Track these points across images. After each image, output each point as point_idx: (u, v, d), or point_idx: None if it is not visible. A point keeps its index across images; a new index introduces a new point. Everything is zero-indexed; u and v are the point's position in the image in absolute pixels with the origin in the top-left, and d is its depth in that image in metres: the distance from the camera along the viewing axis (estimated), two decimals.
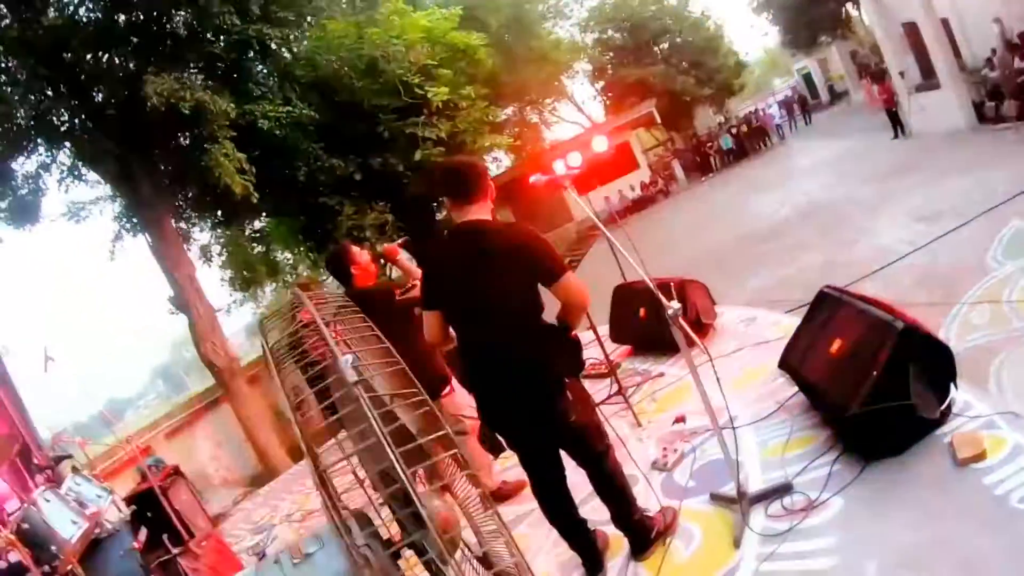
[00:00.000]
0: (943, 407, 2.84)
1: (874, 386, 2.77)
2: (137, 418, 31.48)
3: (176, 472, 7.87)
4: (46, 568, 3.99)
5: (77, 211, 12.64)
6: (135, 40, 10.77)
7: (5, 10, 9.81)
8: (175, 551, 4.76)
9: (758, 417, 3.77)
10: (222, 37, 11.36)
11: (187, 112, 9.48)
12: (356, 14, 14.47)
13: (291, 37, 12.67)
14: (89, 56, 10.72)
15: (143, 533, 4.88)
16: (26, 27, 9.67)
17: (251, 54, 12.14)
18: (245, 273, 16.11)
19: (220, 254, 15.66)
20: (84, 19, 10.88)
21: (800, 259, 8.12)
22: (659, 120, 27.01)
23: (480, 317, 2.77)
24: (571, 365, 2.84)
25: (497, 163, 29.16)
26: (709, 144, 27.89)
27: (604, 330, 5.93)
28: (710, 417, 3.04)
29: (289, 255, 16.77)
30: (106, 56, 10.91)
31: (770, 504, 2.97)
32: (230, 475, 11.54)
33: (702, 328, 5.32)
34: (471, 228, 2.77)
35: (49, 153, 11.48)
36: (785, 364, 3.76)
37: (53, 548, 4.02)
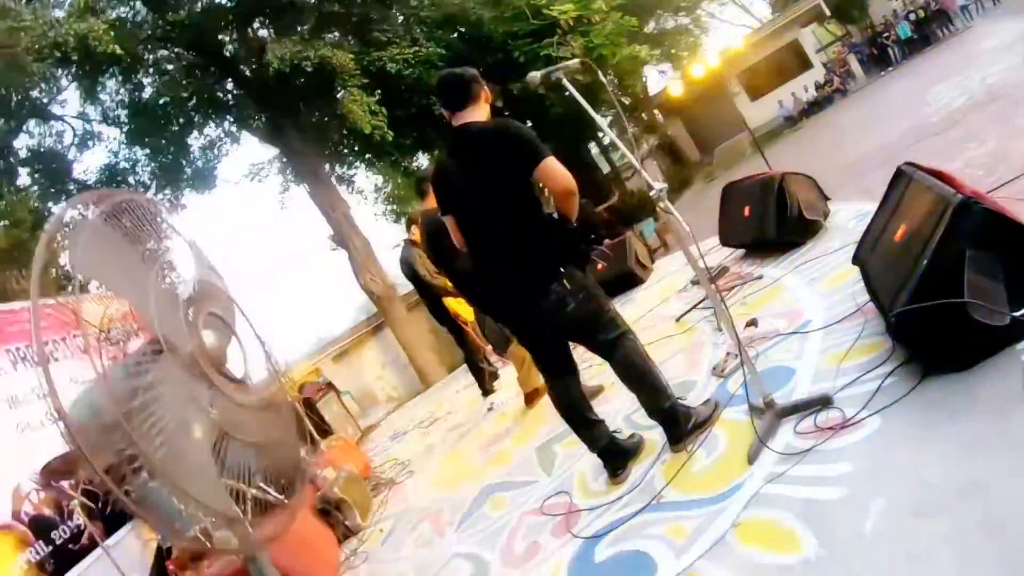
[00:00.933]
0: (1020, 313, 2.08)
1: (921, 279, 2.12)
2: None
3: (329, 387, 8.54)
4: None
5: (257, 171, 13.90)
6: (263, 11, 11.28)
7: (146, 12, 10.73)
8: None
9: (831, 321, 3.16)
10: None
11: (310, 70, 9.83)
12: None
13: None
14: (225, 36, 11.47)
15: None
16: (170, 23, 10.52)
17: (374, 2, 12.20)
18: (396, 208, 16.55)
19: (375, 191, 16.20)
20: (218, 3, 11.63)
21: (967, 152, 6.72)
22: (828, 13, 23.69)
23: (476, 213, 2.82)
24: (567, 254, 2.76)
25: (664, 76, 27.58)
26: (886, 34, 23.82)
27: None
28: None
29: None
30: (240, 32, 11.58)
31: (803, 419, 2.47)
32: (394, 393, 12.35)
33: (805, 224, 4.60)
34: (461, 130, 2.82)
35: (216, 125, 12.64)
36: (857, 259, 3.08)
37: None
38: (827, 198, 5.03)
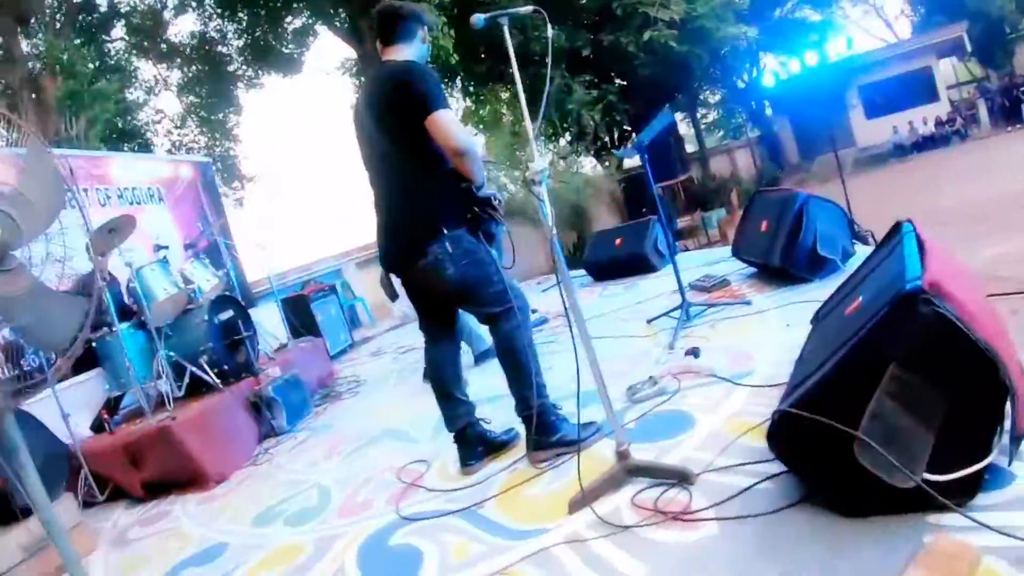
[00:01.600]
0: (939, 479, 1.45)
1: (822, 381, 1.58)
2: None
3: (331, 291, 8.40)
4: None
5: (349, 68, 13.53)
6: None
7: None
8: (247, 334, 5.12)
9: (769, 382, 2.66)
10: None
11: None
12: None
13: None
14: None
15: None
16: None
17: None
18: None
19: None
20: None
21: None
22: (969, 49, 21.22)
23: (373, 157, 2.62)
24: (454, 215, 2.49)
25: (783, 68, 25.51)
26: None
27: None
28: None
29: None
30: None
31: (650, 488, 2.06)
32: (409, 311, 12.14)
33: (815, 260, 3.98)
34: (378, 69, 2.63)
35: (306, 15, 12.29)
36: (814, 319, 2.55)
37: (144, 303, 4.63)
38: (858, 238, 4.37)
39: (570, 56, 11.83)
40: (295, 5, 12.71)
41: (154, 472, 4.19)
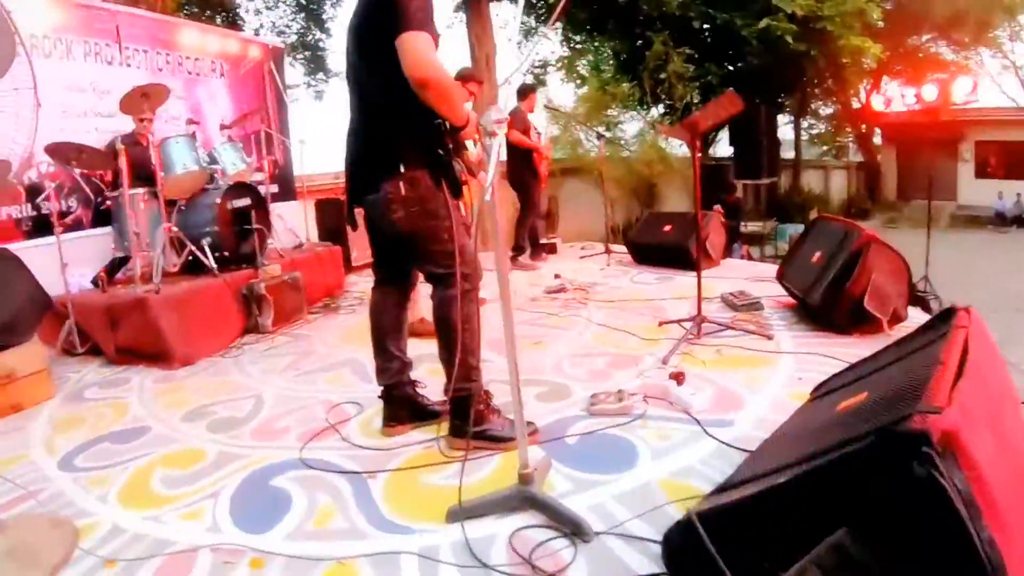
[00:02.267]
0: None
1: (747, 503, 1.19)
2: None
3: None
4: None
5: None
6: None
7: None
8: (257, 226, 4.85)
9: (737, 442, 2.20)
10: None
11: None
12: None
13: None
14: None
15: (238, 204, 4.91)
16: None
17: None
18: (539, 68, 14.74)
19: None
20: None
21: None
22: None
23: (350, 78, 2.31)
24: (416, 151, 2.14)
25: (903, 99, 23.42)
26: None
27: None
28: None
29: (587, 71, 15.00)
30: None
31: (536, 528, 1.72)
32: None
33: (858, 312, 3.38)
34: None
35: None
36: (813, 392, 2.07)
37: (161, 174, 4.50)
38: (918, 302, 3.75)
39: (679, 24, 10.93)
40: None
41: (128, 339, 4.15)
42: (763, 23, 10.21)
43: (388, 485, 2.14)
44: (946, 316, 1.73)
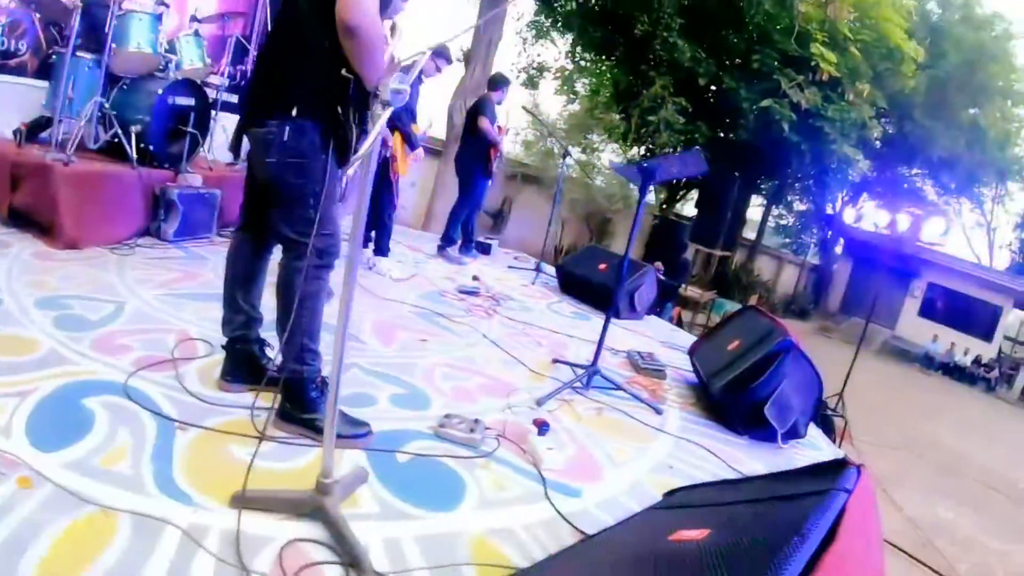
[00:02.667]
0: None
1: None
2: None
3: None
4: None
5: None
6: None
7: None
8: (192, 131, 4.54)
9: (576, 518, 2.06)
10: None
11: None
12: None
13: None
14: None
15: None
16: None
17: None
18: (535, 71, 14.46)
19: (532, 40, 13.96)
20: None
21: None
22: None
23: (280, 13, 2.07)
24: (314, 99, 1.92)
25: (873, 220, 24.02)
26: None
27: None
28: None
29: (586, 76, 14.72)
30: None
31: (313, 545, 1.56)
32: (402, 212, 11.50)
33: (760, 422, 3.25)
34: None
35: None
36: (673, 493, 1.94)
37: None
38: (822, 423, 3.71)
39: (684, 75, 10.88)
40: None
41: (24, 203, 3.85)
42: (766, 102, 10.25)
43: (194, 443, 1.95)
44: (835, 469, 1.62)
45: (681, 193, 12.44)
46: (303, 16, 1.93)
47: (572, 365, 3.52)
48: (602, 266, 5.76)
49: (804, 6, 10.15)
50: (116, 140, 4.22)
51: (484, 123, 5.80)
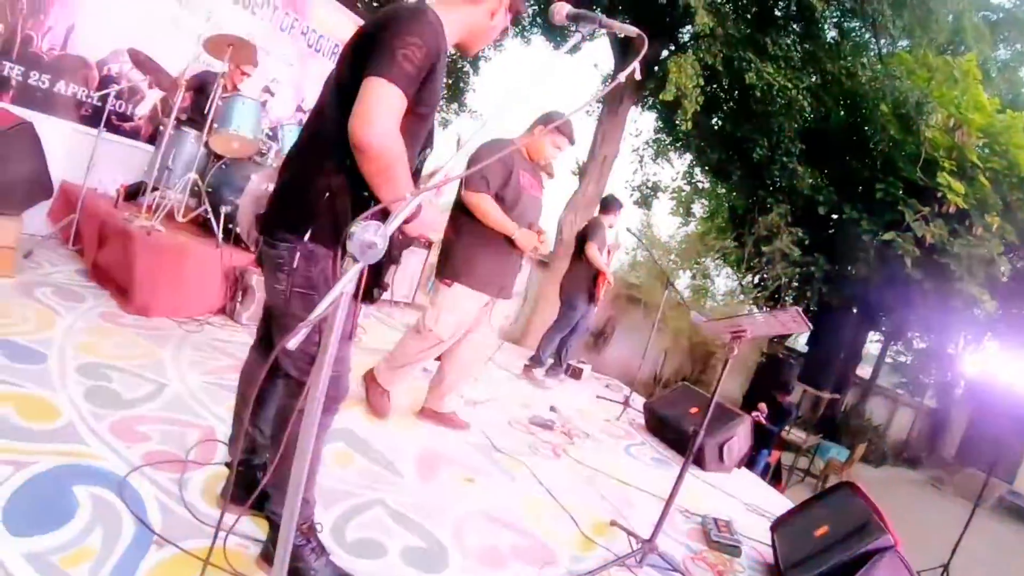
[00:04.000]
0: None
1: None
2: None
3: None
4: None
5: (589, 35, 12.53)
6: None
7: None
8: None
9: None
10: None
11: (663, 2, 8.41)
12: (929, 46, 10.67)
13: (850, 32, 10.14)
14: None
15: None
16: None
17: (790, 12, 9.86)
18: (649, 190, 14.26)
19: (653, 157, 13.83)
20: None
21: None
22: None
23: (312, 110, 1.86)
24: (329, 220, 1.68)
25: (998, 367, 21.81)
26: None
27: None
28: None
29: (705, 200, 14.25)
30: None
31: None
32: (506, 321, 11.35)
33: None
34: None
35: None
36: None
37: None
38: None
39: (803, 203, 10.33)
40: None
41: (106, 261, 4.05)
42: (888, 235, 9.48)
43: (165, 564, 1.78)
44: None
45: None
46: (327, 119, 1.72)
47: (630, 534, 3.02)
48: (693, 409, 5.23)
49: (931, 132, 9.57)
50: (206, 216, 4.33)
51: (592, 250, 5.57)
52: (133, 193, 4.61)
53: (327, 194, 1.68)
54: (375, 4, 12.63)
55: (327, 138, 1.68)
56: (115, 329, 3.34)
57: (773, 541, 3.48)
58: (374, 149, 1.50)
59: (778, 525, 3.64)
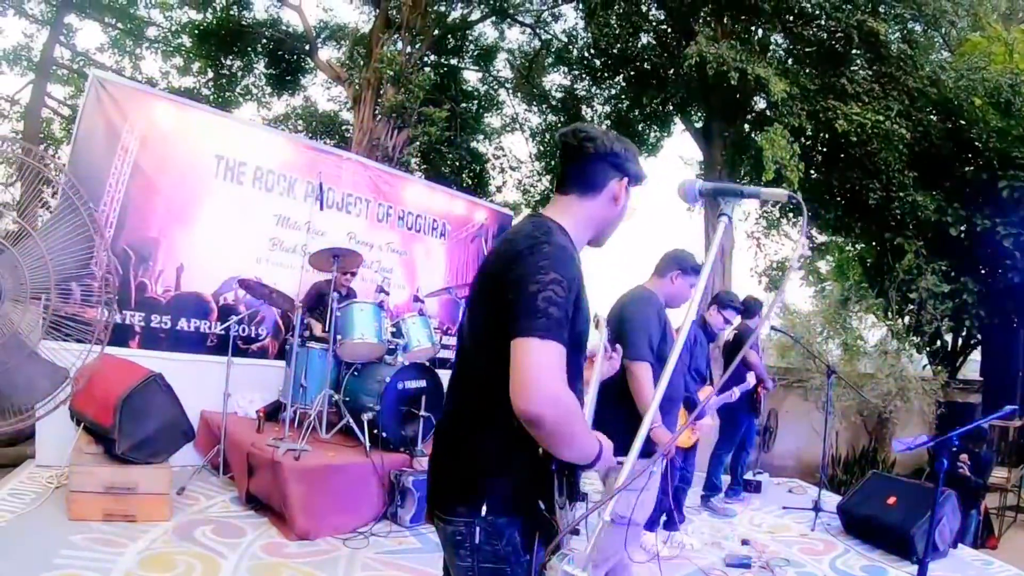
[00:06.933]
0: None
1: None
2: None
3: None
4: None
5: (695, 168, 12.57)
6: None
7: None
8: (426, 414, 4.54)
9: None
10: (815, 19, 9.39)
11: (733, 83, 8.13)
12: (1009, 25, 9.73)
13: (915, 39, 9.68)
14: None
15: None
16: None
17: (853, 44, 9.42)
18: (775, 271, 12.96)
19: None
20: None
21: None
22: None
23: (457, 354, 1.67)
24: (506, 489, 1.45)
25: None
26: None
27: None
28: None
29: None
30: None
31: None
32: None
33: None
34: (513, 226, 1.69)
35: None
36: None
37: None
38: None
39: (934, 230, 9.43)
40: (656, 91, 11.82)
41: (259, 490, 4.08)
42: None
43: None
44: None
45: (960, 360, 10.43)
46: (476, 377, 1.53)
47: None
48: (891, 500, 4.62)
49: None
50: (349, 426, 4.32)
51: (753, 357, 5.24)
52: (272, 414, 4.70)
53: (497, 460, 1.47)
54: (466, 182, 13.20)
55: (481, 397, 1.49)
56: (280, 563, 3.29)
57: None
58: (548, 421, 1.30)
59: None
